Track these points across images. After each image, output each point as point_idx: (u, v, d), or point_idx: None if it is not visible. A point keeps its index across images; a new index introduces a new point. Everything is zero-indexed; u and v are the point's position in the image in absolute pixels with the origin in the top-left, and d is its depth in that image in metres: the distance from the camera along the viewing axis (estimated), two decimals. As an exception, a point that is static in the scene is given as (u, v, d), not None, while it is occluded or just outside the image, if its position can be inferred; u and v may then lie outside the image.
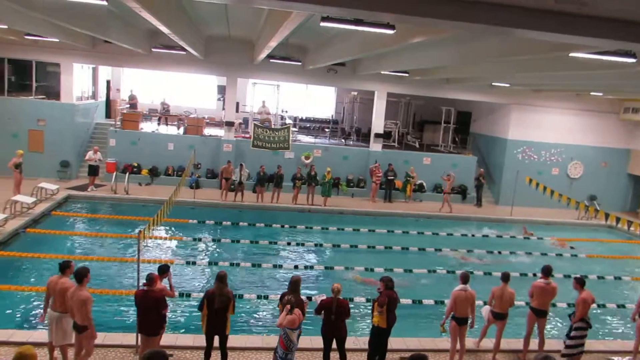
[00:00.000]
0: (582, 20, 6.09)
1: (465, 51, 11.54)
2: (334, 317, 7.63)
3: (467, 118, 26.54)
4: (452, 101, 24.11)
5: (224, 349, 7.70)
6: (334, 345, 7.94)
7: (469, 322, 8.53)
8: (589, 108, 22.83)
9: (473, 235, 17.52)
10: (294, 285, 7.68)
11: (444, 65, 16.14)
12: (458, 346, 8.57)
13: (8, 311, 9.55)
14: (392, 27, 8.02)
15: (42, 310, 7.63)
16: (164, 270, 7.92)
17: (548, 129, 23.00)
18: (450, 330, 8.51)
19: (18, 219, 14.24)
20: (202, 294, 10.49)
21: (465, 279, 8.43)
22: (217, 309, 7.37)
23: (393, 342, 9.10)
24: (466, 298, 8.31)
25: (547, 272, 9.04)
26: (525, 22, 6.20)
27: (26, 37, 16.65)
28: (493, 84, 19.76)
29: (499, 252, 15.70)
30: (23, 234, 13.64)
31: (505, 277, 8.83)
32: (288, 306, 7.12)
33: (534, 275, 12.52)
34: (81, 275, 7.00)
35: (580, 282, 8.82)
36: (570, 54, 8.96)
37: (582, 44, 7.29)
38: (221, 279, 7.48)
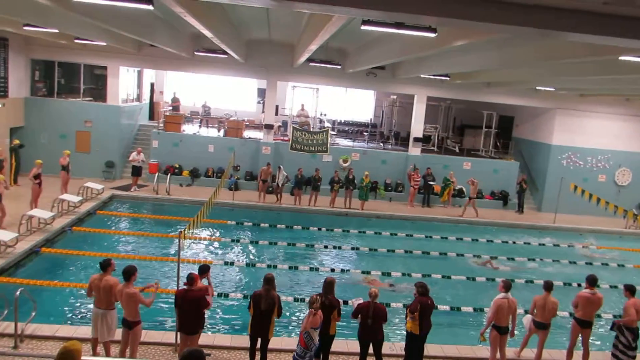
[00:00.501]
0: (635, 23, 5.88)
1: (508, 54, 11.32)
2: (371, 322, 7.58)
3: (509, 122, 25.97)
4: (494, 105, 23.62)
5: (264, 351, 7.74)
6: (370, 349, 7.89)
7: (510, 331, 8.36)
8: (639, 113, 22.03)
9: (514, 242, 17.09)
10: (329, 286, 7.70)
11: (485, 69, 15.84)
12: (498, 355, 8.38)
13: (54, 307, 9.84)
14: (433, 30, 7.96)
15: (89, 306, 7.85)
16: (204, 270, 8.05)
17: (595, 135, 22.28)
18: (491, 340, 8.33)
19: (65, 217, 14.75)
20: (239, 295, 10.70)
21: (507, 287, 8.24)
22: (263, 311, 7.42)
23: (430, 348, 8.99)
24: (508, 306, 8.13)
25: (592, 281, 8.77)
26: (573, 25, 6.04)
27: (76, 41, 17.26)
28: (537, 87, 19.27)
29: (541, 260, 15.29)
30: (69, 232, 14.10)
31: (548, 286, 8.59)
32: (312, 310, 7.12)
33: (579, 285, 12.16)
34: (129, 274, 7.26)
35: (630, 290, 8.60)
36: (620, 57, 8.66)
37: (634, 47, 7.02)
38: (268, 281, 7.53)
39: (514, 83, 18.95)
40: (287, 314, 10.20)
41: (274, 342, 8.51)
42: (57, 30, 13.86)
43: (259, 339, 7.67)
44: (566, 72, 12.76)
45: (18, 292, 7.91)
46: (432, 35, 8.14)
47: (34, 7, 10.93)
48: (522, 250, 16.40)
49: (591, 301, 8.67)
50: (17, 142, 18.32)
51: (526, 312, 9.20)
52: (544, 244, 17.29)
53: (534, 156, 23.73)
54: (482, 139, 24.43)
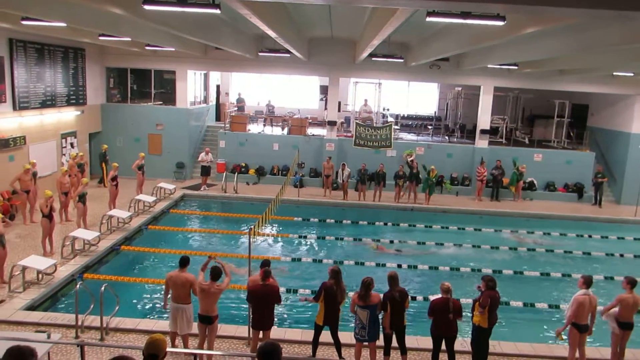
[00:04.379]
0: None
1: (583, 40, 10.73)
2: (452, 316, 7.51)
3: (583, 111, 24.71)
4: (567, 94, 22.57)
5: (336, 336, 8.00)
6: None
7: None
8: None
9: (590, 236, 16.28)
10: (394, 280, 7.75)
11: (559, 56, 15.12)
12: (577, 354, 8.04)
13: (134, 301, 10.37)
14: (502, 18, 7.72)
15: (162, 302, 8.19)
16: (265, 265, 8.18)
17: (680, 121, 20.80)
18: (570, 338, 7.96)
19: (141, 216, 15.48)
20: (307, 290, 10.82)
21: (588, 283, 7.84)
22: (339, 302, 7.77)
23: (504, 346, 8.79)
24: (589, 304, 7.76)
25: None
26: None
27: (146, 48, 18.07)
28: (614, 73, 18.22)
29: (621, 255, 14.50)
30: (145, 230, 14.78)
31: (634, 283, 8.09)
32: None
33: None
34: (218, 276, 7.56)
35: None
36: None
37: None
38: (337, 274, 7.81)
39: (589, 70, 17.98)
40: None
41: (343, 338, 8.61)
42: (129, 39, 14.55)
43: (328, 327, 7.97)
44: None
45: (103, 288, 8.38)
46: (501, 23, 7.90)
47: (109, 17, 11.52)
48: (599, 244, 15.62)
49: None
50: (105, 147, 19.37)
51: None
52: (623, 238, 16.35)
53: (612, 146, 22.43)
54: (554, 129, 23.37)
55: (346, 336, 8.71)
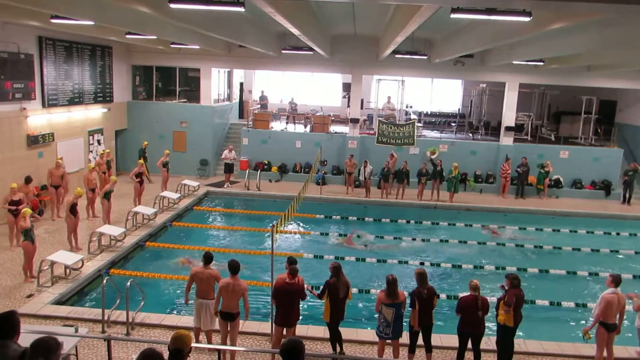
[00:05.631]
0: None
1: (611, 35, 10.50)
2: (481, 314, 7.46)
3: (611, 107, 24.21)
4: (594, 89, 22.11)
5: (338, 331, 8.08)
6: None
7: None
8: None
9: (618, 234, 15.96)
10: (422, 277, 7.72)
11: (587, 52, 14.84)
12: (604, 354, 7.90)
13: (159, 297, 10.49)
14: (528, 14, 7.61)
15: (184, 296, 8.27)
16: (292, 262, 8.22)
17: None
18: (598, 338, 7.84)
19: (165, 213, 15.67)
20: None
21: (617, 281, 7.71)
22: (341, 299, 7.78)
23: (529, 345, 8.69)
24: (618, 302, 7.62)
25: None
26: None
27: (172, 45, 18.28)
28: (643, 69, 17.80)
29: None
30: (170, 227, 14.96)
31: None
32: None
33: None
34: (237, 269, 7.57)
35: None
36: None
37: None
38: (338, 270, 7.81)
39: (617, 65, 17.58)
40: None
41: (365, 335, 8.61)
42: (155, 37, 14.73)
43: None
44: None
45: (128, 283, 8.53)
46: (527, 19, 7.79)
47: (136, 16, 11.69)
48: (627, 242, 15.30)
49: None
50: (145, 143, 19.69)
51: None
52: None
53: (641, 142, 21.98)
54: (581, 125, 22.94)
55: (368, 334, 8.76)
